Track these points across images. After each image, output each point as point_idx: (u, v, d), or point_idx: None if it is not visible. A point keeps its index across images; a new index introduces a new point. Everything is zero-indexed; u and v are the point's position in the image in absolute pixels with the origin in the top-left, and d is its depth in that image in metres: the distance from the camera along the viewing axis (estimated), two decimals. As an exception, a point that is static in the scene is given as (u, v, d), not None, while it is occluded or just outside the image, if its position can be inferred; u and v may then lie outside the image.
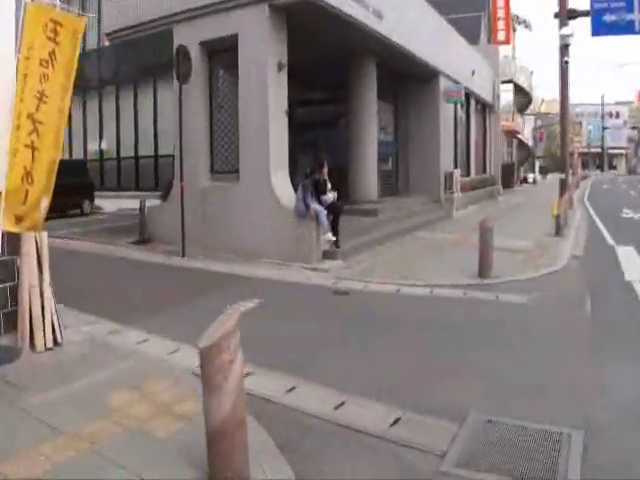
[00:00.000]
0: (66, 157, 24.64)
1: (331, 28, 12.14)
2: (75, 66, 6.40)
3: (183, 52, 11.22)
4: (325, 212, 10.25)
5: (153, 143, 21.46)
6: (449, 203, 18.78)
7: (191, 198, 11.61)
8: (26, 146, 6.06)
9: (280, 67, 10.79)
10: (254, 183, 10.96)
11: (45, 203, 6.27)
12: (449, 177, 19.07)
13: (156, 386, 4.71)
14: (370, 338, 6.30)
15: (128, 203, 20.35)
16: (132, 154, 22.51)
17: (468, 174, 23.75)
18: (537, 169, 56.12)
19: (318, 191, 10.56)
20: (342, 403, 4.52)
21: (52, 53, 6.20)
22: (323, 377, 5.06)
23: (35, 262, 6.06)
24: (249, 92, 10.96)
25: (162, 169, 21.00)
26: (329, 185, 10.94)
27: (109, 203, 21.90)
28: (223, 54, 11.69)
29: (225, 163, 11.99)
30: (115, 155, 23.32)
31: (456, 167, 20.56)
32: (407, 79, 18.58)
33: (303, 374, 5.13)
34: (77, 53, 6.34)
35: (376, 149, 15.85)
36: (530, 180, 48.18)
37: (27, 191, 6.16)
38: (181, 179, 11.54)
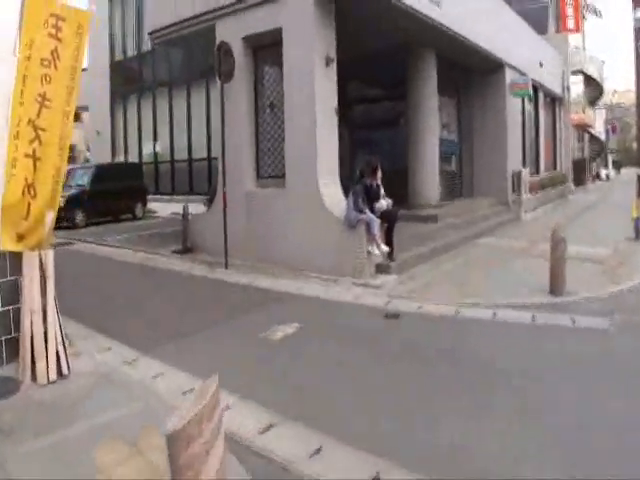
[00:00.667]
0: (120, 159, 24.52)
1: (385, 17, 11.09)
2: (81, 65, 5.61)
3: (225, 49, 10.43)
4: (378, 221, 9.24)
5: (206, 145, 20.87)
6: (517, 205, 17.42)
7: (235, 205, 10.86)
8: (27, 155, 5.30)
9: (328, 61, 9.84)
10: (301, 189, 10.06)
11: (51, 218, 5.52)
12: (517, 177, 17.71)
13: (154, 440, 3.84)
14: (412, 383, 5.23)
15: (179, 208, 19.92)
16: (185, 157, 22.02)
17: (537, 172, 22.22)
18: (610, 164, 53.47)
19: (370, 197, 9.57)
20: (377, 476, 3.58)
21: (55, 52, 5.40)
22: (354, 436, 4.12)
23: (37, 284, 5.30)
24: (295, 89, 10.05)
25: (214, 172, 20.38)
26: (382, 191, 9.94)
27: (163, 207, 21.49)
28: (268, 50, 10.83)
29: (271, 167, 11.13)
30: (169, 158, 22.89)
31: (524, 165, 19.16)
32: (470, 71, 17.27)
33: (329, 429, 4.21)
34: (83, 51, 5.53)
35: (437, 148, 14.67)
36: (603, 176, 45.86)
37: (29, 205, 5.41)
38: (224, 184, 10.79)
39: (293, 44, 10.00)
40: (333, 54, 9.95)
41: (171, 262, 11.57)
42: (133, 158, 24.23)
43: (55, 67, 5.32)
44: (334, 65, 10.00)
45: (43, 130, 5.31)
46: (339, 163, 10.47)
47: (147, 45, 23.18)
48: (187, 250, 12.27)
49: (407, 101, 14.57)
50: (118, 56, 25.05)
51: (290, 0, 9.92)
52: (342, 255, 9.40)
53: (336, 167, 10.24)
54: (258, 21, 10.48)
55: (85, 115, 29.97)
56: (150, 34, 12.82)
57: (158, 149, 23.46)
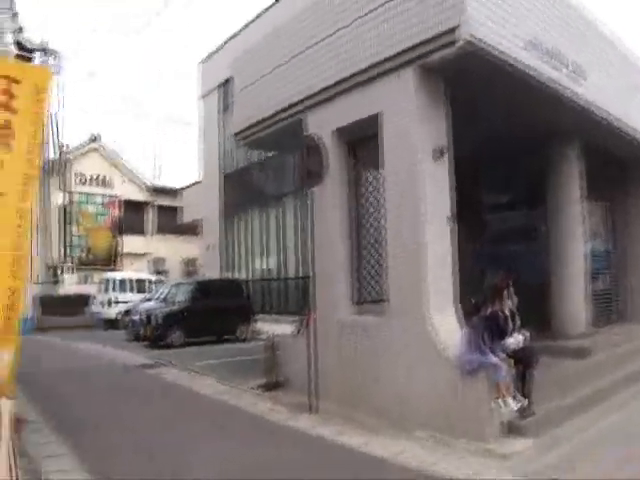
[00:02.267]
0: (228, 275, 23.72)
1: (518, 101, 9.26)
2: (43, 142, 4.26)
3: (311, 145, 9.03)
4: (504, 367, 7.08)
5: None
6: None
7: (326, 334, 9.10)
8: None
9: (439, 154, 8.06)
10: (405, 320, 8.07)
11: (6, 357, 4.04)
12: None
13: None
14: None
15: (290, 328, 18.48)
16: (294, 274, 20.73)
17: None
18: None
19: (498, 331, 7.46)
20: None
21: (7, 126, 4.09)
22: None
23: None
24: (397, 192, 8.30)
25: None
26: (518, 321, 7.80)
27: (271, 328, 20.10)
28: (366, 144, 9.29)
29: (370, 292, 9.30)
30: (279, 274, 21.73)
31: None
32: (625, 166, 14.78)
33: None
34: (43, 122, 4.20)
35: (585, 262, 12.23)
36: None
37: (-28, 342, 3.96)
38: (313, 309, 9.13)
39: (393, 133, 8.35)
40: (444, 145, 8.20)
41: (249, 401, 9.92)
42: (242, 274, 23.38)
43: (8, 147, 3.95)
44: (446, 161, 8.23)
45: (-10, 236, 3.91)
46: (459, 286, 8.44)
47: (257, 155, 22.86)
48: (275, 385, 10.54)
49: (546, 207, 12.38)
50: (229, 168, 24.89)
51: (387, 79, 8.38)
52: (457, 409, 7.21)
53: (450, 291, 8.20)
54: (352, 108, 9.00)
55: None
56: (236, 135, 11.83)
57: (268, 265, 22.46)
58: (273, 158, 20.68)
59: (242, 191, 23.76)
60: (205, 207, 25.33)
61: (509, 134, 10.81)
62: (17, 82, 4.03)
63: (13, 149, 4.05)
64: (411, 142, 8.06)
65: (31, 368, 14.64)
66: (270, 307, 21.69)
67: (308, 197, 9.41)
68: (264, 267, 22.53)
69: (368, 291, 9.36)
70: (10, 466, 4.02)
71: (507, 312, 7.65)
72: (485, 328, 7.28)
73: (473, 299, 7.86)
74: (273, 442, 7.65)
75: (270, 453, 7.16)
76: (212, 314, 18.00)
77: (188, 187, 29.36)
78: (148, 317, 18.10)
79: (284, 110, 10.34)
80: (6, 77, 3.98)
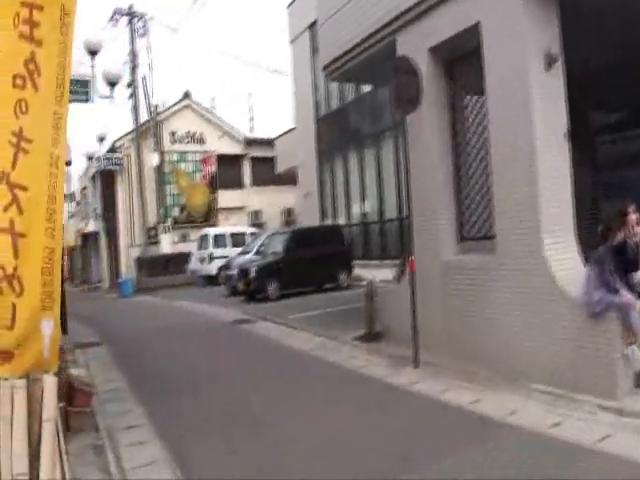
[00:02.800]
0: (328, 222, 23.16)
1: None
2: (70, 73, 3.62)
3: (405, 68, 8.08)
4: (638, 305, 6.05)
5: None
6: None
7: (429, 279, 8.33)
8: (1, 231, 3.40)
9: (550, 61, 6.87)
10: (516, 254, 7.09)
11: (50, 327, 3.52)
12: None
13: None
14: None
15: (391, 273, 17.79)
16: (395, 215, 19.87)
17: None
18: None
19: (626, 263, 6.40)
20: None
21: (31, 61, 3.48)
22: None
23: (23, 433, 3.29)
24: (503, 110, 7.24)
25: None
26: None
27: (371, 274, 19.43)
28: (463, 62, 8.22)
29: (476, 225, 8.35)
30: (378, 218, 20.93)
31: None
32: None
33: None
34: (70, 50, 3.56)
35: None
36: None
37: (13, 307, 3.44)
38: (411, 250, 8.33)
39: (496, 43, 7.23)
40: (556, 51, 7.03)
41: (347, 353, 9.34)
42: (341, 220, 22.76)
43: (34, 86, 3.34)
44: (559, 69, 7.07)
45: (23, 189, 3.34)
46: (575, 219, 7.35)
47: (352, 93, 21.94)
48: (375, 336, 9.88)
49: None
50: (323, 111, 24.11)
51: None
52: (581, 359, 6.25)
53: (570, 221, 7.14)
54: (447, 22, 7.91)
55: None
56: (324, 69, 10.98)
57: (366, 208, 21.69)
58: (367, 95, 19.80)
59: (337, 134, 23.06)
60: (300, 154, 24.81)
61: (627, 44, 9.34)
62: (40, 8, 3.42)
63: (40, 88, 3.45)
64: (519, 50, 6.94)
65: (129, 327, 14.74)
66: (371, 252, 21.04)
67: (404, 126, 8.49)
68: (363, 210, 21.82)
69: (473, 227, 8.42)
70: (58, 456, 3.53)
71: (637, 240, 6.52)
72: (612, 261, 6.24)
73: (600, 226, 6.76)
74: (373, 401, 6.99)
75: (372, 415, 6.51)
76: (310, 263, 17.48)
77: (282, 135, 28.86)
78: (242, 271, 17.80)
79: (372, 35, 9.42)
80: (28, 4, 3.36)
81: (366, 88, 19.53)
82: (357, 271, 19.37)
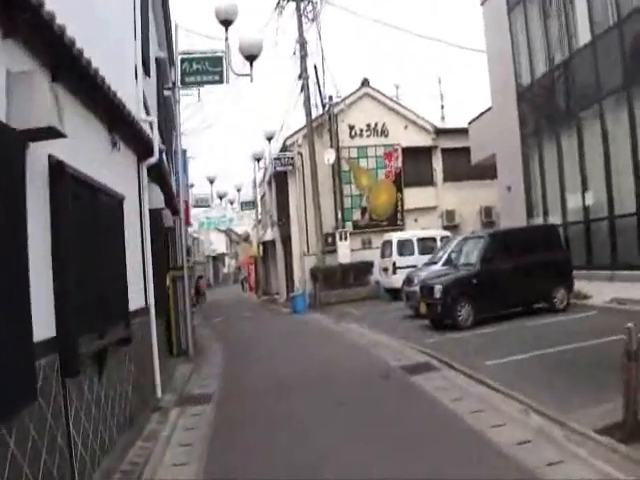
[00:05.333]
0: (538, 222, 18.79)
1: None
2: None
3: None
4: None
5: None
6: None
7: None
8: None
9: None
10: None
11: None
12: None
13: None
14: None
15: (634, 291, 13.04)
16: (633, 208, 15.01)
17: None
18: None
19: None
20: None
21: None
22: None
23: None
24: None
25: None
26: None
27: (600, 289, 14.68)
28: None
29: None
30: (606, 213, 16.14)
31: None
32: None
33: None
34: None
35: None
36: None
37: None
38: None
39: None
40: None
41: (594, 464, 4.95)
42: (555, 218, 18.20)
43: None
44: None
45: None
46: None
47: (564, 53, 17.43)
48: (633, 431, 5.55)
49: None
50: (526, 80, 19.75)
51: None
52: None
53: None
54: None
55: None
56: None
57: (589, 201, 16.94)
58: (584, 48, 15.45)
59: (544, 108, 19.04)
60: (498, 139, 20.84)
61: None
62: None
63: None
64: None
65: (262, 370, 11.52)
66: (596, 258, 16.39)
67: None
68: (583, 204, 17.32)
69: None
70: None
71: None
72: None
73: None
74: None
75: None
76: (514, 277, 13.26)
77: (475, 119, 24.79)
78: (425, 289, 13.98)
79: None
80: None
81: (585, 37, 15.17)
82: (577, 284, 14.73)
